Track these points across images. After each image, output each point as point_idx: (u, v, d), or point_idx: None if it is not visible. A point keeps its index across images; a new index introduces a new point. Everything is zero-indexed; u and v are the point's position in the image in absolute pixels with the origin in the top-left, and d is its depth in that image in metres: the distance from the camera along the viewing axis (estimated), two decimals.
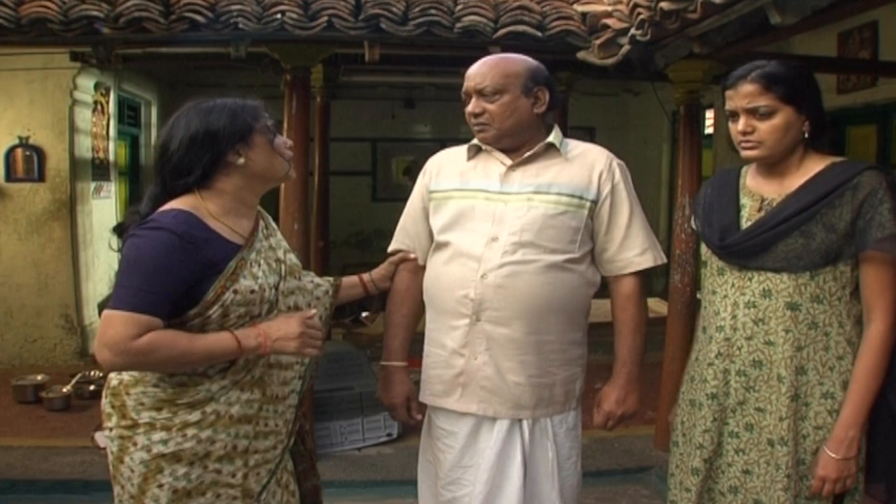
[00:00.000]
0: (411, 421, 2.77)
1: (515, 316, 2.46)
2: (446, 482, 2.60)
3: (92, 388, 5.99)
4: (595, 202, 2.52)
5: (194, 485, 2.11)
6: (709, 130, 7.73)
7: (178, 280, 2.02)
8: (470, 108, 2.55)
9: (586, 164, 2.56)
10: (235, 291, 2.09)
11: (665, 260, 2.62)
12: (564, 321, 2.53)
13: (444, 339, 2.58)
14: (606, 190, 2.53)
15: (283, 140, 2.27)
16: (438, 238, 2.62)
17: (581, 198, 2.50)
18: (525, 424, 2.53)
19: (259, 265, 2.19)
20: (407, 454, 4.69)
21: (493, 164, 2.59)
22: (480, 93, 2.51)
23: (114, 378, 2.19)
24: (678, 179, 4.99)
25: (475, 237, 2.51)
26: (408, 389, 2.73)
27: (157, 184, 2.20)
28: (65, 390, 5.90)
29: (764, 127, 2.22)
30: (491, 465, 2.50)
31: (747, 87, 2.22)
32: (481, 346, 2.50)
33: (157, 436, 2.08)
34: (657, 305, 8.46)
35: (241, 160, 2.15)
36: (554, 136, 2.57)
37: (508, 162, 2.56)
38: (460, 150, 2.70)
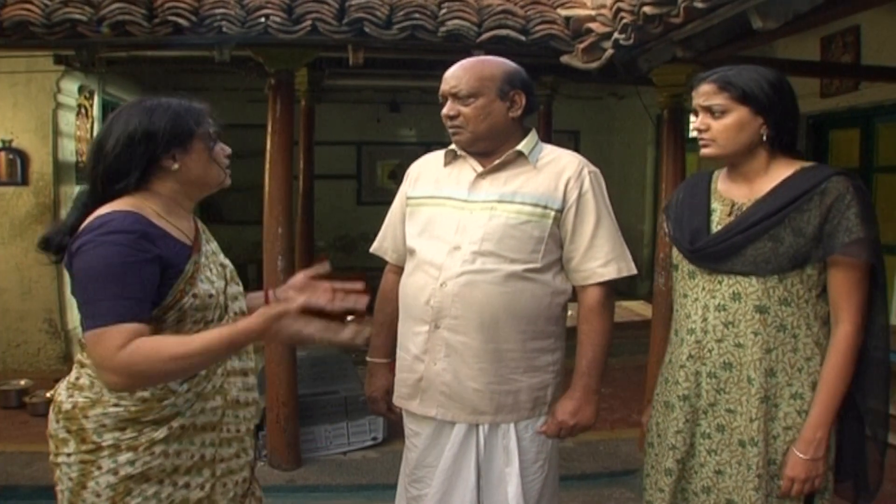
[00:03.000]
0: (391, 416, 2.85)
1: (472, 324, 2.48)
2: (411, 479, 2.68)
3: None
4: (560, 211, 2.51)
5: (164, 503, 2.05)
6: (692, 134, 7.76)
7: (149, 279, 1.92)
8: (445, 110, 2.55)
9: (555, 172, 2.55)
10: (195, 296, 2.04)
11: (634, 271, 2.60)
12: (527, 330, 2.52)
13: (408, 344, 2.63)
14: (572, 198, 2.51)
15: (222, 147, 2.19)
16: (409, 244, 2.66)
17: (545, 207, 2.50)
18: (482, 429, 2.55)
19: (210, 269, 2.15)
20: (392, 458, 4.69)
21: (466, 171, 2.60)
22: (455, 96, 2.52)
23: (66, 402, 2.07)
24: (662, 182, 5.00)
25: (439, 245, 2.54)
26: (387, 384, 2.81)
27: (89, 188, 2.09)
28: (48, 395, 5.84)
29: (717, 125, 2.27)
30: (447, 466, 2.55)
31: (705, 87, 2.29)
32: (440, 353, 2.53)
33: (124, 457, 2.00)
34: (642, 308, 8.48)
35: (176, 165, 2.06)
36: (525, 144, 2.57)
37: (480, 169, 2.57)
38: (439, 155, 2.72)
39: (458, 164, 2.64)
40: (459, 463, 2.55)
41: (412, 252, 2.64)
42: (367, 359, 2.88)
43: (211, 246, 2.24)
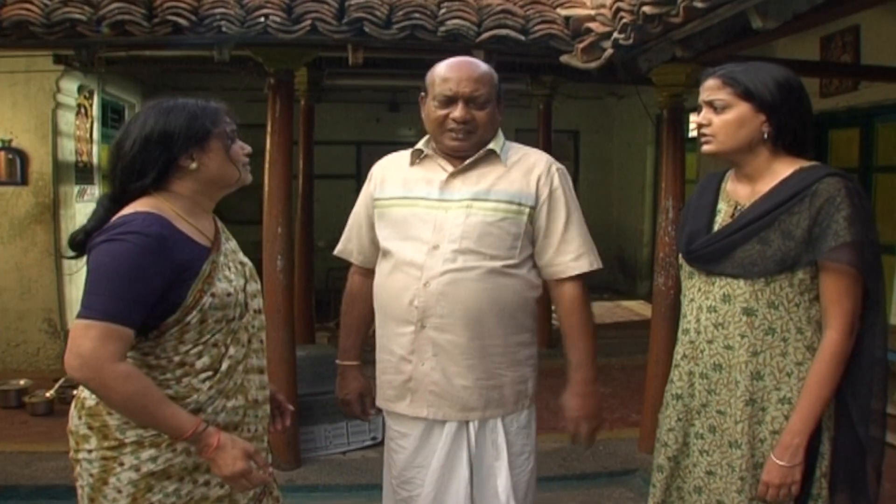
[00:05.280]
0: (365, 417, 2.90)
1: (459, 322, 2.49)
2: (401, 481, 2.68)
3: (75, 392, 5.95)
4: (533, 207, 2.54)
5: (183, 501, 2.07)
6: (692, 133, 7.76)
7: (154, 285, 1.94)
8: (458, 114, 2.50)
9: (524, 169, 2.57)
10: (213, 295, 2.05)
11: (601, 265, 2.62)
12: (509, 325, 2.55)
13: (392, 346, 2.62)
14: (544, 195, 2.54)
15: (241, 146, 2.22)
16: (383, 246, 2.65)
17: (520, 204, 2.52)
18: (472, 426, 2.57)
19: (229, 268, 2.16)
20: None
21: (436, 171, 2.60)
22: (473, 100, 2.50)
23: (89, 398, 2.08)
24: (661, 182, 5.01)
25: (417, 245, 2.53)
26: (360, 386, 2.84)
27: (111, 188, 2.12)
28: (48, 395, 5.86)
29: (717, 120, 2.25)
30: (440, 465, 2.56)
31: (709, 82, 2.27)
32: (428, 353, 2.54)
33: (147, 454, 2.02)
34: (641, 308, 8.48)
35: (194, 165, 2.09)
36: (495, 143, 2.58)
37: (450, 168, 2.57)
38: (403, 156, 2.70)
39: (426, 164, 2.64)
40: (452, 461, 2.56)
41: (387, 253, 2.62)
42: (337, 362, 2.88)
43: (230, 244, 2.26)
